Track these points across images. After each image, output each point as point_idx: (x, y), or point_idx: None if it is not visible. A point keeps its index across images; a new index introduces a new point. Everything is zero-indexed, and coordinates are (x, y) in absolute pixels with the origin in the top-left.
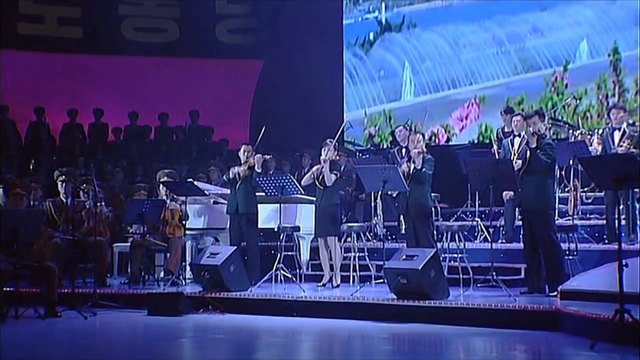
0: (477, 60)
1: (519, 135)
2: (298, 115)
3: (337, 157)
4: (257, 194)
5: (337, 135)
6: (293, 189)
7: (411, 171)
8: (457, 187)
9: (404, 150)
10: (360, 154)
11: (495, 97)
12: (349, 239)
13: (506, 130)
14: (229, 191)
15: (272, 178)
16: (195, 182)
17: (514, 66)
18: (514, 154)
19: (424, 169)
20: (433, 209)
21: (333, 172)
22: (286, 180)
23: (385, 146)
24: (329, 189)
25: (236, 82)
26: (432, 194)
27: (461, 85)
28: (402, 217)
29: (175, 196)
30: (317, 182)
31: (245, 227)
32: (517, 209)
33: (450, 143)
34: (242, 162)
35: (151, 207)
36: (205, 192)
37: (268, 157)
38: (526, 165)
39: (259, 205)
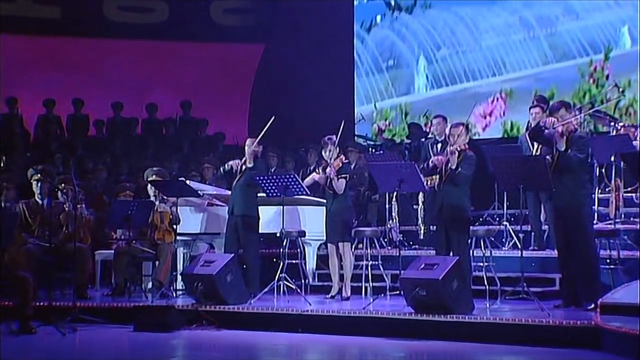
0: (501, 47)
1: (562, 135)
2: (303, 106)
3: (342, 157)
4: (259, 194)
5: (340, 131)
6: (297, 189)
7: (445, 170)
8: (482, 186)
9: (439, 145)
10: (373, 150)
11: (522, 90)
12: (360, 246)
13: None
14: (225, 191)
15: (274, 177)
16: (188, 181)
17: (543, 54)
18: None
19: (459, 170)
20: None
21: (342, 177)
22: (290, 180)
23: (398, 141)
24: (341, 194)
25: (233, 68)
26: None
27: (483, 76)
28: (421, 220)
29: (165, 197)
30: (327, 189)
31: (242, 232)
32: (541, 211)
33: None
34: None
35: (138, 210)
36: (199, 192)
37: (258, 148)
38: (554, 163)
39: (259, 208)
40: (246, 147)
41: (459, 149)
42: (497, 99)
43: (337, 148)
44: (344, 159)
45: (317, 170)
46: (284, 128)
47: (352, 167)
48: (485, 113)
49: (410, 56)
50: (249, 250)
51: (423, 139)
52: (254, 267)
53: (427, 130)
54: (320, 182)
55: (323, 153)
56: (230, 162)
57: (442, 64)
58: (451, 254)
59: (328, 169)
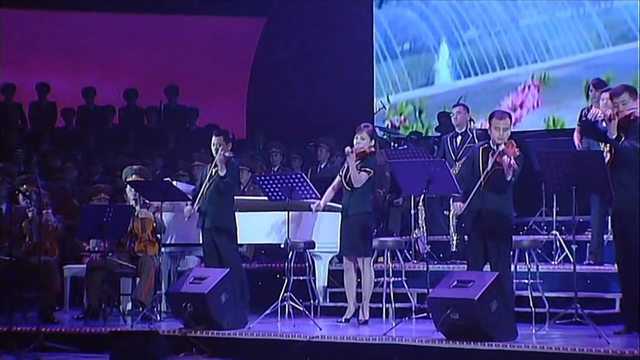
0: (543, 27)
1: (610, 119)
2: (312, 93)
3: (372, 149)
4: (251, 198)
5: (376, 115)
6: (305, 192)
7: (488, 171)
8: (527, 188)
9: (459, 139)
10: (396, 144)
11: (568, 79)
12: (380, 259)
13: (594, 110)
14: None
15: (277, 177)
16: (175, 182)
17: (596, 35)
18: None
19: (513, 177)
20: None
21: (365, 170)
22: (296, 180)
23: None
24: (358, 193)
25: (229, 47)
26: None
27: (520, 62)
28: (453, 228)
29: (147, 201)
30: (343, 182)
31: (220, 246)
32: (607, 217)
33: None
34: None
35: (115, 216)
36: (188, 195)
37: (230, 154)
38: (611, 159)
39: (259, 215)
40: (212, 147)
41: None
42: (529, 87)
43: (373, 140)
44: (372, 150)
45: (339, 174)
46: (289, 118)
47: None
48: (515, 105)
49: (430, 38)
50: (232, 265)
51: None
52: (245, 285)
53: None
54: (340, 175)
55: (355, 140)
56: (186, 210)
57: (470, 47)
58: (489, 269)
59: (347, 154)
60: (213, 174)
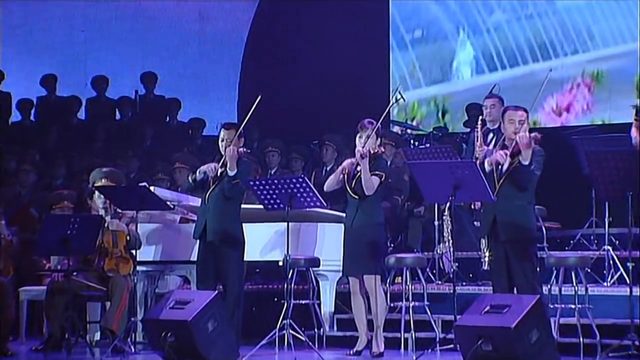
0: (586, 10)
1: None
2: (315, 84)
3: (381, 149)
4: (245, 206)
5: (385, 114)
6: (308, 199)
7: (505, 168)
8: (572, 195)
9: (491, 136)
10: (416, 143)
11: (616, 73)
12: (398, 279)
13: None
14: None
15: (275, 182)
16: (152, 188)
17: None
18: None
19: (532, 167)
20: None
21: (375, 174)
22: (297, 185)
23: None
24: (369, 201)
25: (217, 29)
26: (536, 207)
27: (559, 53)
28: (484, 242)
29: (119, 210)
30: (347, 188)
31: (220, 260)
32: None
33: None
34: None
35: (81, 228)
36: (168, 203)
37: (244, 150)
38: None
39: (253, 227)
40: (221, 142)
41: (531, 137)
42: (578, 86)
43: (379, 139)
44: (383, 150)
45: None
46: (289, 112)
47: (388, 166)
48: (560, 108)
49: (448, 24)
50: (231, 286)
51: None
52: (238, 310)
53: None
54: (343, 175)
55: (357, 139)
56: (204, 167)
57: (496, 35)
58: (514, 291)
59: (359, 155)
60: (219, 174)
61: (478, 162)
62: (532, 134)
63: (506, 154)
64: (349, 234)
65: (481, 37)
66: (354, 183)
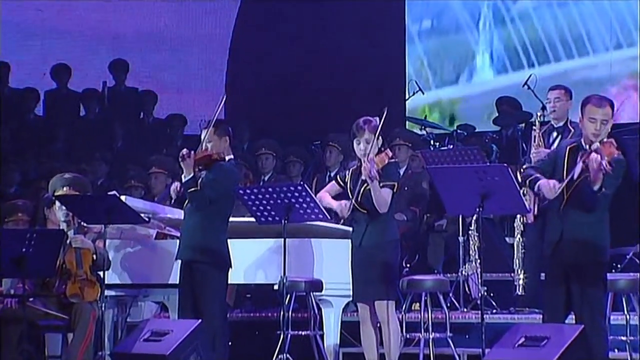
0: None
1: None
2: (315, 76)
3: (388, 151)
4: (233, 219)
5: (384, 114)
6: (309, 210)
7: (574, 180)
8: (623, 207)
9: (555, 135)
10: (437, 143)
11: None
12: (415, 306)
13: None
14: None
15: (269, 190)
16: (123, 197)
17: None
18: None
19: (603, 190)
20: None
21: (385, 185)
22: (296, 194)
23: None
24: (379, 214)
25: (200, 10)
26: None
27: (597, 49)
28: (519, 263)
29: (84, 224)
30: (354, 202)
31: (196, 282)
32: None
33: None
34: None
35: (38, 246)
36: (142, 215)
37: (226, 148)
38: None
39: (243, 244)
40: (202, 145)
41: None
42: (626, 89)
43: (380, 138)
44: (390, 154)
45: (338, 179)
46: (285, 109)
47: (402, 171)
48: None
49: (462, 12)
50: (209, 313)
51: (521, 124)
52: (220, 344)
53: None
54: (347, 186)
55: (355, 146)
56: (171, 189)
57: (522, 26)
58: (573, 320)
59: (364, 164)
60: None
61: (525, 166)
62: (604, 164)
63: (555, 187)
64: (357, 253)
65: (504, 28)
66: (361, 196)
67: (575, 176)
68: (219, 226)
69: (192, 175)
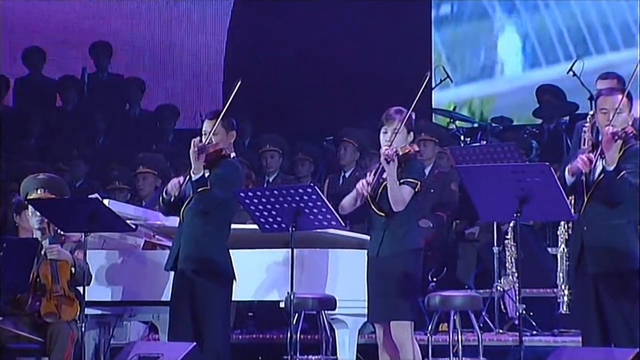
0: None
1: None
2: (328, 61)
3: (415, 147)
4: (234, 226)
5: (416, 99)
6: (320, 216)
7: (595, 177)
8: None
9: (588, 127)
10: (468, 139)
11: None
12: (443, 327)
13: None
14: (177, 220)
15: (275, 193)
16: (106, 201)
17: None
18: None
19: (622, 173)
20: None
21: (407, 181)
22: (305, 197)
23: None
24: (399, 219)
25: None
26: None
27: None
28: (563, 275)
29: (61, 232)
30: (370, 203)
31: (196, 299)
32: None
33: None
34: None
35: (8, 257)
36: (128, 221)
37: (216, 147)
38: None
39: (245, 255)
40: (204, 139)
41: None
42: None
43: (411, 134)
44: (417, 148)
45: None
46: (293, 100)
47: (428, 171)
48: None
49: None
50: (210, 335)
51: (566, 117)
52: None
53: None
54: (364, 188)
55: (382, 136)
56: (169, 185)
57: (558, 12)
58: (611, 342)
59: (384, 157)
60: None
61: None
62: (626, 129)
63: (590, 160)
64: (373, 265)
65: (536, 14)
66: (379, 195)
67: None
68: (223, 233)
69: (202, 172)
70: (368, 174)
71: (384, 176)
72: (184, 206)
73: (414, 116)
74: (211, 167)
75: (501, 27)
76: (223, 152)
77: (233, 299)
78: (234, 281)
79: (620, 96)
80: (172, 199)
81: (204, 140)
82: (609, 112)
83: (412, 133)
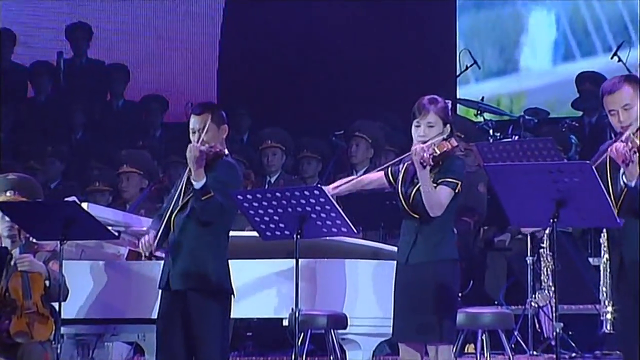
0: None
1: None
2: (338, 46)
3: (453, 143)
4: (231, 233)
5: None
6: (329, 222)
7: (619, 191)
8: None
9: None
10: (498, 134)
11: None
12: (470, 348)
13: None
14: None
15: (277, 195)
16: (85, 205)
17: None
18: None
19: None
20: None
21: (445, 181)
22: (312, 201)
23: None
24: (435, 223)
25: None
26: None
27: None
28: (606, 292)
29: (33, 240)
30: (402, 201)
31: (191, 319)
32: None
33: None
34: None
35: None
36: (110, 228)
37: (210, 148)
38: None
39: (244, 266)
40: (192, 135)
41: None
42: None
43: (448, 126)
44: (455, 144)
45: (389, 173)
46: (298, 90)
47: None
48: None
49: None
50: (209, 353)
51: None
52: None
53: None
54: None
55: (414, 131)
56: (142, 245)
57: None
58: None
59: (415, 147)
60: (186, 186)
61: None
62: (625, 152)
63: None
64: (402, 273)
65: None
66: (412, 193)
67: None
68: (223, 243)
69: (205, 178)
70: (400, 166)
71: (418, 178)
72: (174, 213)
73: (450, 105)
74: (207, 170)
75: (527, 15)
76: (220, 152)
77: (232, 316)
78: (233, 296)
79: (627, 88)
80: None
81: (193, 139)
82: (617, 113)
83: (448, 125)
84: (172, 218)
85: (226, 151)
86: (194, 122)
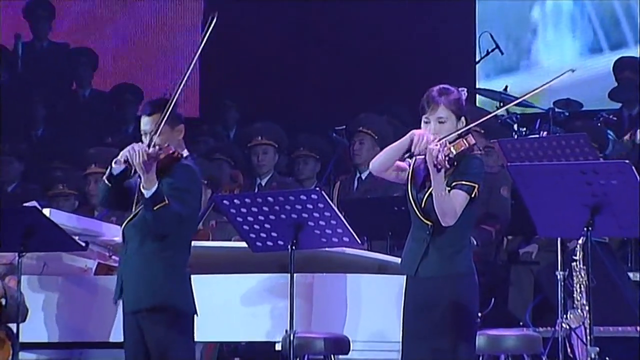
0: None
1: None
2: (339, 32)
3: (470, 140)
4: (212, 243)
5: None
6: (329, 231)
7: None
8: None
9: None
10: (523, 129)
11: None
12: None
13: None
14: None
15: (268, 200)
16: (47, 211)
17: None
18: None
19: None
20: None
21: (460, 184)
22: (309, 206)
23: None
24: (450, 232)
25: None
26: None
27: None
28: None
29: None
30: (413, 204)
31: (153, 343)
32: None
33: None
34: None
35: None
36: (76, 237)
37: (158, 151)
38: None
39: (230, 281)
40: (144, 138)
41: None
42: None
43: (462, 120)
44: (473, 142)
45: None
46: (293, 79)
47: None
48: None
49: None
50: None
51: None
52: None
53: None
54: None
55: (423, 127)
56: (125, 151)
57: None
58: None
59: (429, 147)
60: (140, 193)
61: None
62: None
63: None
64: (413, 288)
65: None
66: (425, 198)
67: None
68: (181, 258)
69: (157, 185)
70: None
71: (430, 180)
72: (125, 222)
73: (464, 96)
74: (161, 176)
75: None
76: (175, 155)
77: (216, 339)
78: (196, 315)
79: None
80: (122, 176)
81: (145, 141)
82: None
83: (463, 119)
84: (123, 229)
85: (185, 153)
86: (144, 123)
